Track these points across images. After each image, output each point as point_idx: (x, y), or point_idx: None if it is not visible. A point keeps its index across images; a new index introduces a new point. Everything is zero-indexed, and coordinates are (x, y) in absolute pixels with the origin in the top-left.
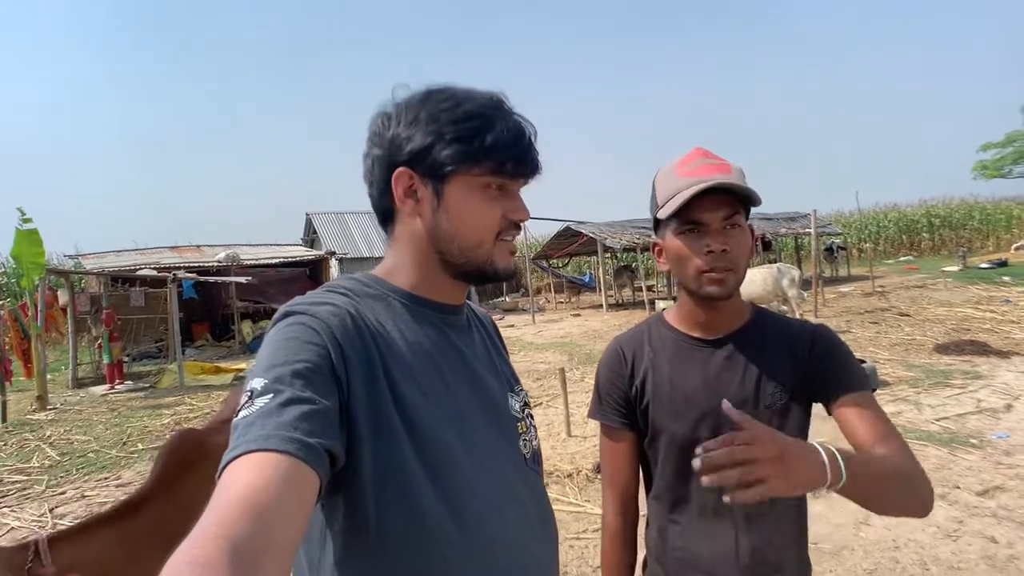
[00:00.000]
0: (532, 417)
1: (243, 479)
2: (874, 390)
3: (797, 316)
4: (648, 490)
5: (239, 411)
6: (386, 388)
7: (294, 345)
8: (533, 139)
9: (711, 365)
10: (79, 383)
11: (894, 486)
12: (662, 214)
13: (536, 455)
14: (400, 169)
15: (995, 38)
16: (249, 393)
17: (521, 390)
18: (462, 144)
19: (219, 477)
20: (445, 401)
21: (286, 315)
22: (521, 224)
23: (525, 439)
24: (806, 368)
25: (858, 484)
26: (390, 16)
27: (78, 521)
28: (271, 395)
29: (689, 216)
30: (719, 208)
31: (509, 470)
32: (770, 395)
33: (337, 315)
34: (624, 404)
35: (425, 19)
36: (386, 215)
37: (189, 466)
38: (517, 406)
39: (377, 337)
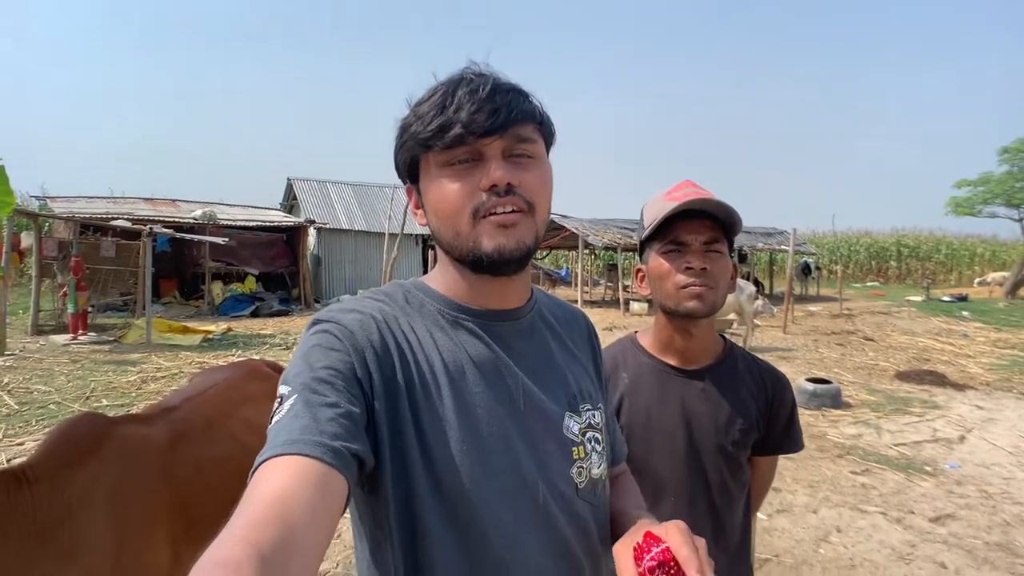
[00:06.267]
0: (597, 441)
1: (272, 482)
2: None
3: (752, 333)
4: None
5: (272, 416)
6: (405, 399)
7: (318, 352)
8: (487, 90)
9: (687, 397)
10: (39, 330)
11: None
12: (646, 233)
13: (595, 484)
14: (407, 185)
15: (977, 78)
16: (279, 399)
17: (588, 409)
18: (408, 133)
19: (250, 479)
20: (471, 417)
21: (314, 323)
22: (503, 188)
23: (581, 466)
24: (764, 417)
25: None
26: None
27: None
28: (298, 400)
29: (672, 236)
30: (701, 231)
31: (548, 499)
32: (737, 432)
33: (361, 321)
34: None
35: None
36: None
37: (84, 455)
38: (575, 428)
39: (403, 344)
